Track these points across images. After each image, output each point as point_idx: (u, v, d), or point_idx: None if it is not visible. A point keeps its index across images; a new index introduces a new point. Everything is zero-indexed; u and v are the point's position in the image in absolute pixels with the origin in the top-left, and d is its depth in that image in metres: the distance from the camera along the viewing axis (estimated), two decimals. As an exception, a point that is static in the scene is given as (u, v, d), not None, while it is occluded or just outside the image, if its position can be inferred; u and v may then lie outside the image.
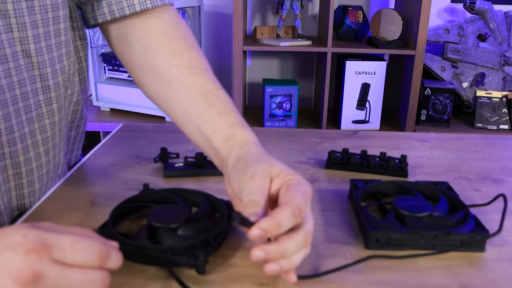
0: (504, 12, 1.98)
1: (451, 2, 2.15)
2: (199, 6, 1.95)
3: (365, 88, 1.91)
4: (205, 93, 0.59)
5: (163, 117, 1.88)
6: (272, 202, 0.47)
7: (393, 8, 2.02)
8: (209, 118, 0.57)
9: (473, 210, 0.62)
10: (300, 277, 0.47)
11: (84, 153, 0.81)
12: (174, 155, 0.77)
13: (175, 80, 0.61)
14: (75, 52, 0.70)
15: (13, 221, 0.62)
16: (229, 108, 0.57)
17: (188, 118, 0.59)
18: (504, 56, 1.96)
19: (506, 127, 1.96)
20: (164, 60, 0.63)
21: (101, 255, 0.39)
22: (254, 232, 0.42)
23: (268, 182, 0.47)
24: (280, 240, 0.44)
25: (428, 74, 2.07)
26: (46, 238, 0.38)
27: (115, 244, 0.42)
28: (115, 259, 0.41)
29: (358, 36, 2.01)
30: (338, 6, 2.03)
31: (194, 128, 0.59)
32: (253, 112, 2.14)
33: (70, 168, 0.76)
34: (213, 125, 0.56)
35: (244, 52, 1.88)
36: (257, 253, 0.43)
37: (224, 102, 0.58)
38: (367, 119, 1.96)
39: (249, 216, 0.43)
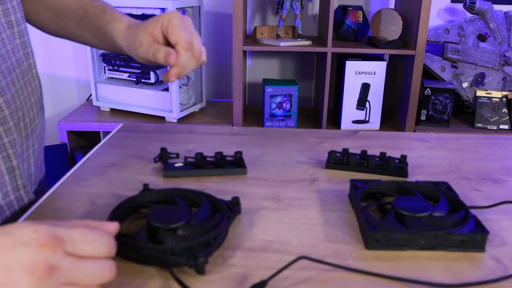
0: (504, 12, 1.98)
1: (451, 2, 2.15)
2: (199, 6, 1.95)
3: (365, 88, 1.91)
4: (84, 6, 0.72)
5: (163, 117, 1.88)
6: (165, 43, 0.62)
7: (393, 8, 2.02)
8: (95, 27, 0.70)
9: (473, 211, 0.62)
10: (300, 277, 0.47)
11: (84, 153, 0.81)
12: (174, 155, 0.77)
13: (61, 6, 0.73)
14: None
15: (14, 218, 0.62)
16: (101, 7, 0.71)
17: (85, 32, 0.72)
18: (504, 56, 1.96)
19: (506, 127, 1.96)
20: None
21: (110, 245, 0.41)
22: (172, 79, 0.60)
23: (151, 37, 0.62)
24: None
25: (428, 74, 2.07)
26: (57, 232, 0.39)
27: (110, 227, 0.44)
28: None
29: (358, 36, 2.01)
30: (338, 6, 2.03)
31: (91, 37, 0.72)
32: (253, 112, 2.14)
33: None
34: (100, 29, 0.69)
35: (244, 52, 1.88)
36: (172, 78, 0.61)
37: (98, 5, 0.72)
38: (367, 119, 1.96)
39: (168, 57, 0.58)
